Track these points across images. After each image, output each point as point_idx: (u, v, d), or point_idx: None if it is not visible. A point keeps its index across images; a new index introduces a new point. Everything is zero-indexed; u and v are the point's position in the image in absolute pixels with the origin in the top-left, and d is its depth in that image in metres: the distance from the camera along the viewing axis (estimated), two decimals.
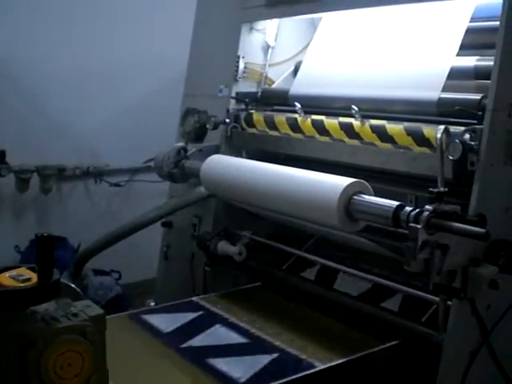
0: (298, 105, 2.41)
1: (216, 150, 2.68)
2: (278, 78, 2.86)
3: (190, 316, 2.08)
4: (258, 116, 2.62)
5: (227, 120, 2.69)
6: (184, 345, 1.86)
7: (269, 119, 2.56)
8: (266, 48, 2.86)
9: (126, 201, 4.32)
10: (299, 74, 2.62)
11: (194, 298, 2.26)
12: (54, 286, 0.88)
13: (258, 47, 2.85)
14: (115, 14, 4.01)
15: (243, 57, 2.78)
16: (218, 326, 2.01)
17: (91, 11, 3.93)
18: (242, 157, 2.66)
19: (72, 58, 3.86)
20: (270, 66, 2.87)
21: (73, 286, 0.99)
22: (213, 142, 2.74)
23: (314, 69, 2.55)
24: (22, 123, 3.80)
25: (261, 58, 2.85)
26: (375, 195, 1.83)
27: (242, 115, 2.70)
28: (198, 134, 2.82)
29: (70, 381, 0.88)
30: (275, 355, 1.86)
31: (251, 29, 2.81)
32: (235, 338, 1.95)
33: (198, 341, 1.91)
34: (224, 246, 2.55)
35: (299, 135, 2.42)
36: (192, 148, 2.68)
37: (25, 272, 0.89)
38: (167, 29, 3.99)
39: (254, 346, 1.92)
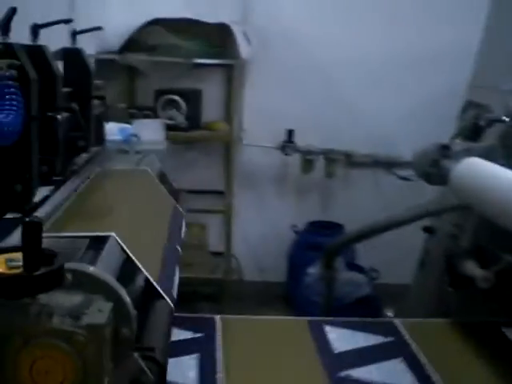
0: None
1: (489, 153, 2.26)
2: None
3: (377, 339, 1.76)
4: None
5: (505, 118, 2.24)
6: (342, 373, 1.58)
7: None
8: None
9: (415, 197, 4.02)
10: None
11: (395, 320, 1.92)
12: (43, 277, 0.74)
13: None
14: None
15: None
16: (399, 359, 1.66)
17: None
18: None
19: (370, 43, 3.70)
20: None
21: (109, 282, 0.82)
22: (485, 143, 2.32)
23: None
24: (313, 105, 3.78)
25: None
26: None
27: None
28: (473, 132, 2.43)
29: None
30: None
31: None
32: (407, 380, 1.59)
33: (363, 372, 1.60)
34: (470, 267, 2.14)
35: None
36: (459, 147, 2.31)
37: (19, 257, 0.77)
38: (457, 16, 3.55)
39: None
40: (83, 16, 2.79)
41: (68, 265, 0.84)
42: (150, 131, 2.70)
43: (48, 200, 1.32)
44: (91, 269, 0.85)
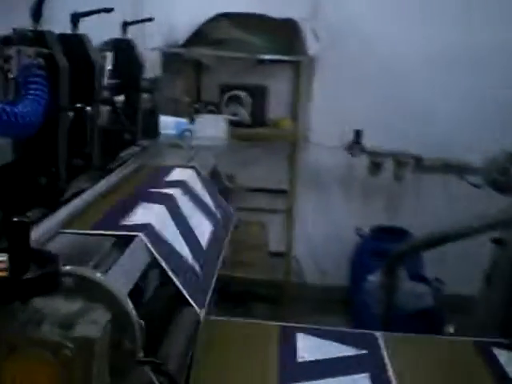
0: None
1: None
2: None
3: (349, 351, 1.61)
4: None
5: None
6: None
7: None
8: None
9: (488, 205, 3.81)
10: None
11: (376, 333, 1.75)
12: (31, 281, 0.68)
13: None
14: None
15: None
16: (365, 374, 1.50)
17: None
18: None
19: (443, 43, 3.53)
20: None
21: (111, 289, 0.76)
22: None
23: None
24: (382, 106, 3.65)
25: None
26: None
27: None
28: None
29: None
30: None
31: None
32: None
33: None
34: None
35: None
36: None
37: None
38: None
39: None
40: (150, 9, 2.77)
41: (69, 268, 0.78)
42: (212, 127, 2.64)
43: (82, 194, 1.28)
44: (92, 274, 0.79)
